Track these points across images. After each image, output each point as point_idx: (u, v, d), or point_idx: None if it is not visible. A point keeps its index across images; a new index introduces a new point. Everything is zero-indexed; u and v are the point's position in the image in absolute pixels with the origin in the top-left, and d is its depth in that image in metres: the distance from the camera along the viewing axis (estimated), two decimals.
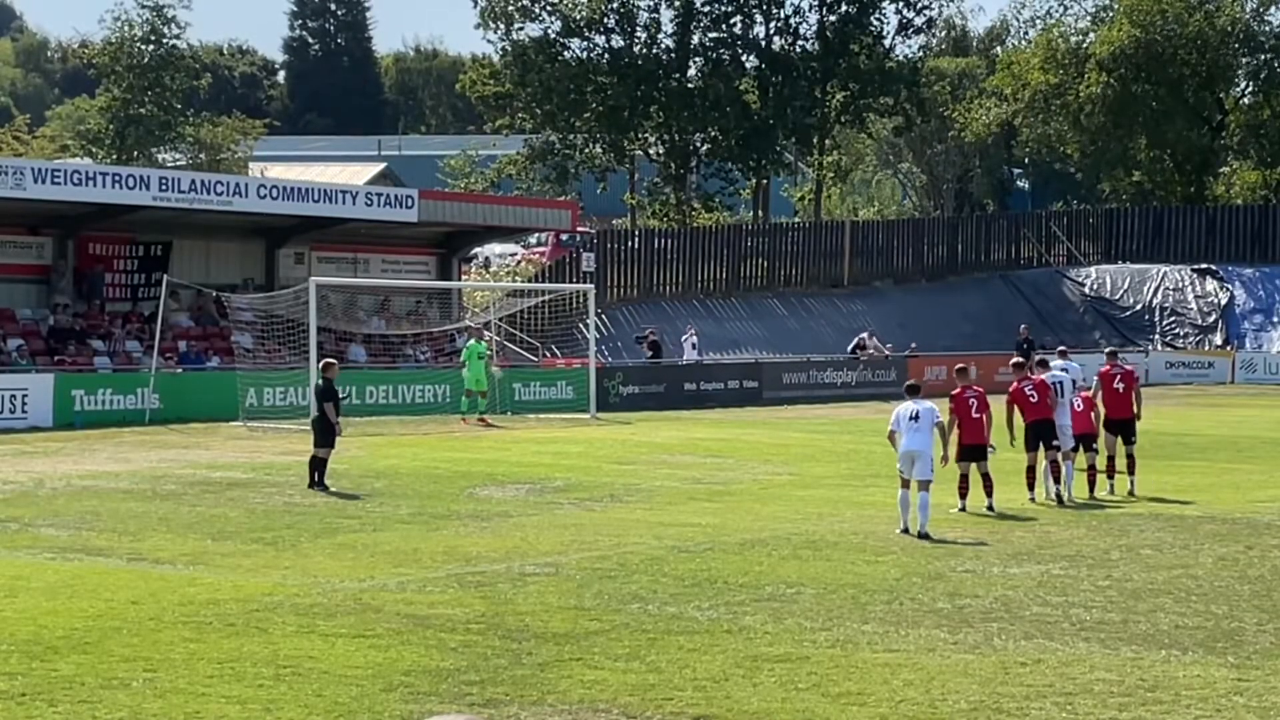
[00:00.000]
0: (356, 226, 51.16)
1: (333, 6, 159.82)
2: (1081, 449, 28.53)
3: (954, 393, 27.35)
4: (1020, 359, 29.61)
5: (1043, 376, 28.77)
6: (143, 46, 75.18)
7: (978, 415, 26.79)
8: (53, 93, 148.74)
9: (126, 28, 75.15)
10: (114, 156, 73.31)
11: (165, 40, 75.64)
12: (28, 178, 43.03)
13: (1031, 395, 28.12)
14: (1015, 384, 28.69)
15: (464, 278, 62.12)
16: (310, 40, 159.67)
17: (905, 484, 23.78)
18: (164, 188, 45.75)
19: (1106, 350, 32.26)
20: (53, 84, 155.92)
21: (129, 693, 13.36)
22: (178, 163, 75.44)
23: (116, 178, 45.75)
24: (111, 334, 46.25)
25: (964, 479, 26.22)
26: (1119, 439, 29.15)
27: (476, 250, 65.65)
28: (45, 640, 15.26)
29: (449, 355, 51.25)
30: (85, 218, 46.46)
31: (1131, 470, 28.92)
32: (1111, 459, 28.96)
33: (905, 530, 23.36)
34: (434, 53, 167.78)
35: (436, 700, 13.19)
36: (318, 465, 28.00)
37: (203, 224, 48.41)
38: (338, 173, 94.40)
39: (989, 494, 26.13)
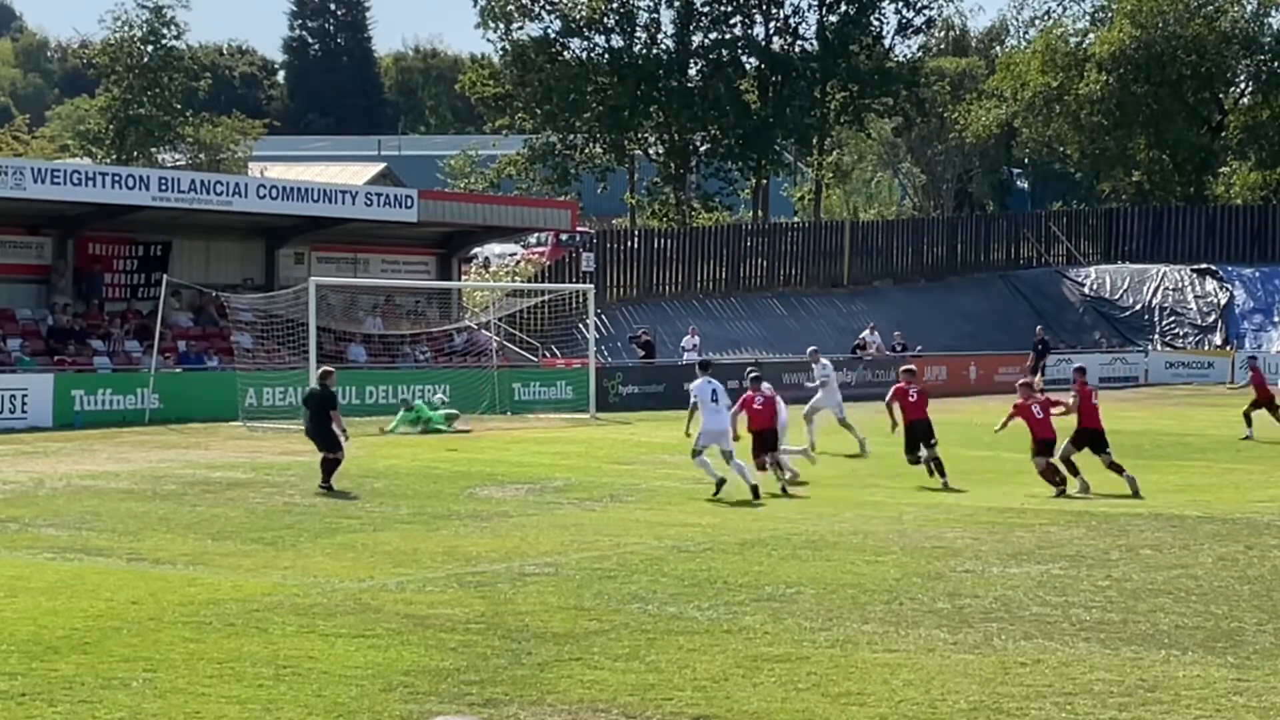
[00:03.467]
0: (356, 226, 51.17)
1: (332, 6, 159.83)
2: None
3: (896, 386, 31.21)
4: (1027, 381, 29.67)
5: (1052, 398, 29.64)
6: (142, 47, 75.21)
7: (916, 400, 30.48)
8: (53, 93, 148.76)
9: (126, 28, 75.21)
10: (114, 156, 73.35)
11: (164, 41, 75.67)
12: (27, 178, 43.05)
13: (1038, 413, 28.45)
14: (1022, 401, 28.74)
15: (464, 278, 62.11)
16: (310, 40, 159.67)
17: (697, 454, 27.69)
18: (164, 188, 45.77)
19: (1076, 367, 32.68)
20: (53, 84, 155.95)
21: (129, 693, 13.35)
22: (177, 163, 75.48)
23: (116, 178, 45.77)
24: (111, 334, 46.26)
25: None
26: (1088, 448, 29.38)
27: (476, 250, 65.63)
28: (45, 640, 15.26)
29: (448, 355, 51.25)
30: (85, 218, 46.49)
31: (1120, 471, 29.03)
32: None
33: (721, 482, 27.14)
34: (434, 52, 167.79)
35: (436, 700, 13.18)
36: (326, 464, 28.02)
37: (202, 224, 48.42)
38: (337, 173, 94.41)
39: (942, 474, 29.41)
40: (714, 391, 27.88)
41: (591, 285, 53.79)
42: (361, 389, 44.33)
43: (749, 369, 31.63)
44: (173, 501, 26.10)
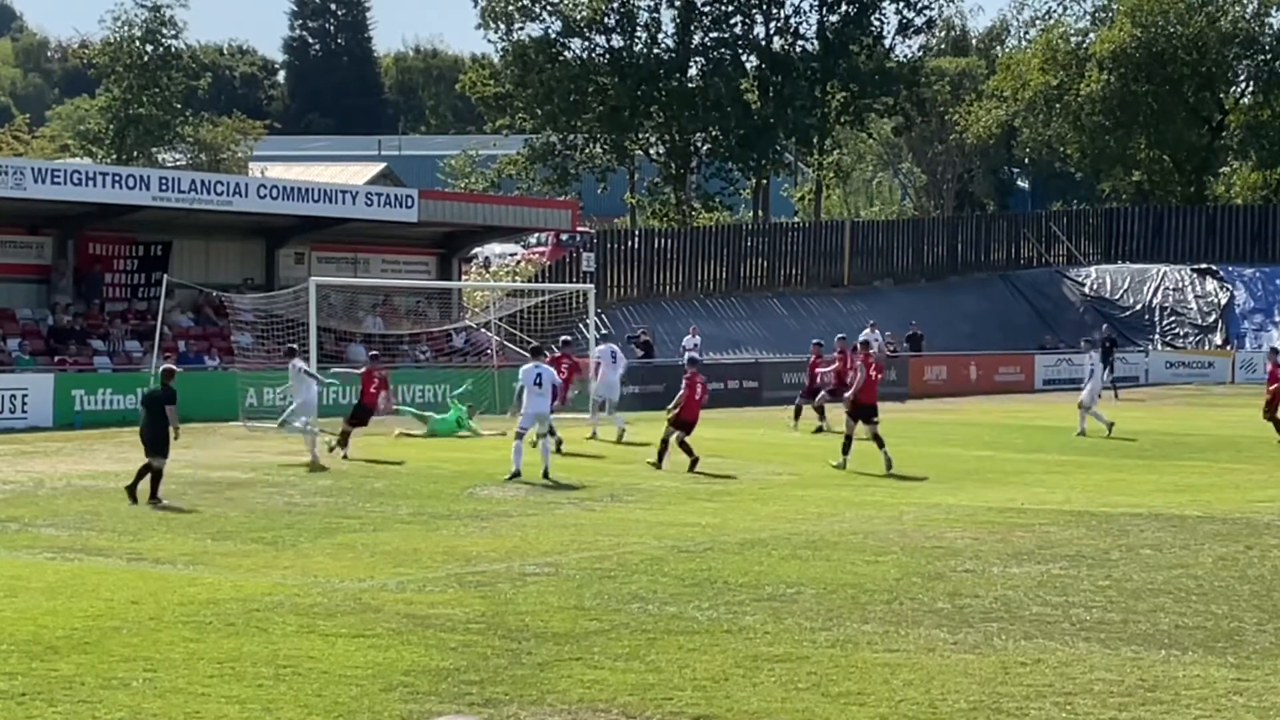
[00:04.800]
0: (357, 226, 51.18)
1: (333, 6, 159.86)
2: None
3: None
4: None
5: None
6: (142, 46, 75.20)
7: (876, 377, 33.08)
8: (53, 92, 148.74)
9: (126, 28, 75.20)
10: (114, 156, 73.35)
11: (164, 40, 75.67)
12: (28, 177, 43.07)
13: None
14: None
15: (464, 277, 62.12)
16: (310, 40, 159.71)
17: (520, 436, 29.98)
18: (164, 188, 45.80)
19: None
20: (53, 84, 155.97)
21: (129, 692, 13.36)
22: (178, 163, 75.49)
23: (116, 178, 45.79)
24: (111, 334, 46.28)
25: (849, 439, 32.01)
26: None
27: (476, 250, 65.66)
28: (45, 640, 15.27)
29: (448, 355, 51.24)
30: (85, 217, 46.51)
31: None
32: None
33: (517, 474, 28.92)
34: (434, 52, 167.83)
35: (436, 700, 13.19)
36: (154, 475, 25.88)
37: (203, 224, 48.44)
38: (338, 173, 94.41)
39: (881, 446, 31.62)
40: (539, 376, 30.60)
41: (592, 285, 53.72)
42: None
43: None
44: (172, 501, 26.08)
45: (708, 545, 21.91)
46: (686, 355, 48.58)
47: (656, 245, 68.94)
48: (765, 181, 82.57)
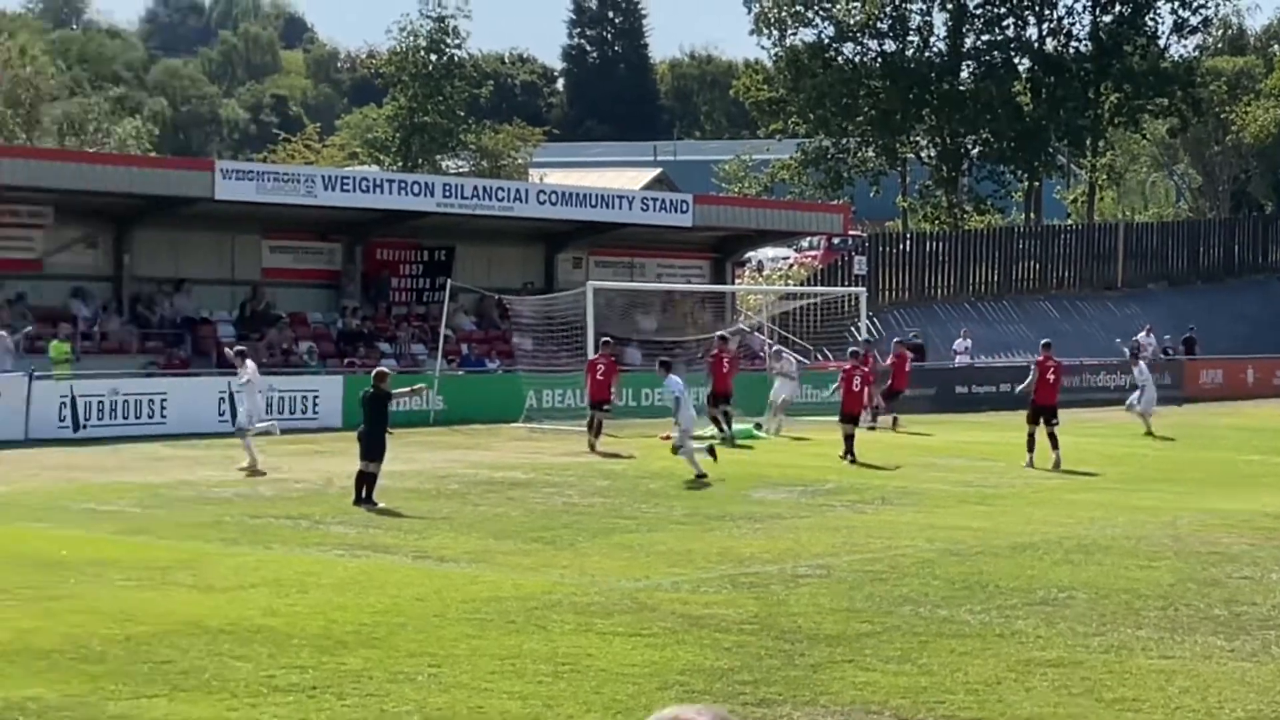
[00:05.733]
0: (633, 231, 51.55)
1: (610, 15, 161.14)
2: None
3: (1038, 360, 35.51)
4: None
5: None
6: (427, 56, 76.53)
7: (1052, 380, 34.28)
8: (342, 102, 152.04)
9: (411, 38, 76.59)
10: (400, 164, 74.74)
11: (447, 50, 76.95)
12: (318, 185, 44.18)
13: None
14: None
15: (737, 281, 62.19)
16: (588, 48, 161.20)
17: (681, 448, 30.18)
18: (448, 194, 46.67)
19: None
20: (342, 93, 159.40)
21: (415, 687, 13.64)
22: (460, 169, 76.64)
23: (402, 184, 46.76)
24: (397, 337, 47.18)
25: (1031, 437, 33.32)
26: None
27: (749, 254, 65.69)
28: (335, 635, 15.64)
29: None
30: (373, 224, 47.48)
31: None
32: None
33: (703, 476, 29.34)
34: (708, 59, 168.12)
35: (711, 699, 13.24)
36: (366, 480, 25.98)
37: (484, 229, 49.15)
38: (614, 178, 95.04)
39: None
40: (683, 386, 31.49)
41: (863, 288, 53.58)
42: (638, 391, 44.61)
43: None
44: (456, 501, 26.56)
45: (978, 549, 21.72)
46: (958, 360, 48.18)
47: (928, 248, 68.43)
48: (1038, 184, 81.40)
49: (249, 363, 32.14)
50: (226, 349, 34.75)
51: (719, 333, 43.38)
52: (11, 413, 32.89)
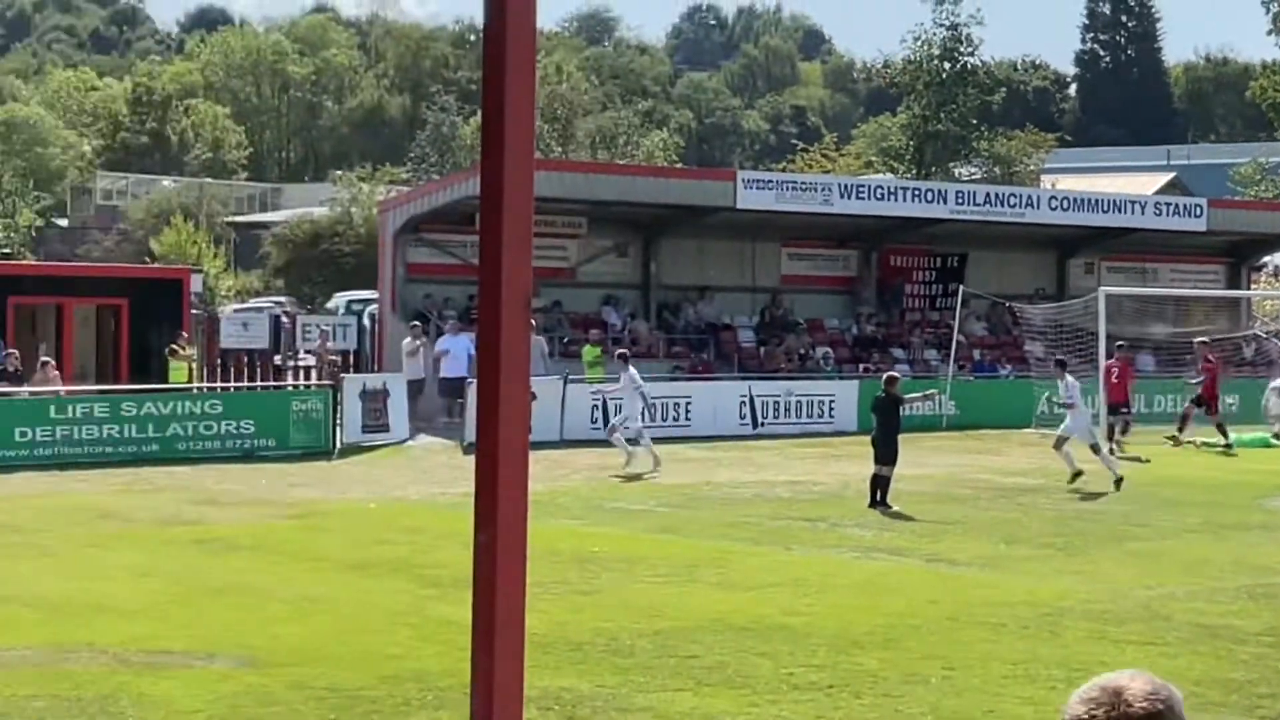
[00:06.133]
0: (1144, 236, 50.42)
1: (1124, 19, 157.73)
2: None
3: None
4: None
5: None
6: (940, 64, 76.36)
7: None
8: (858, 111, 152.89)
9: (925, 47, 76.53)
10: (914, 171, 74.82)
11: (961, 58, 76.62)
12: (835, 194, 44.63)
13: None
14: None
15: (1253, 286, 60.15)
16: (1101, 53, 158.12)
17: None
18: (960, 201, 46.55)
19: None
20: (858, 103, 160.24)
21: (928, 689, 13.76)
22: (973, 176, 76.22)
23: (916, 192, 46.87)
24: (910, 342, 47.24)
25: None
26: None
27: (1266, 259, 63.43)
28: (850, 635, 15.86)
29: (1237, 365, 49.72)
30: (887, 231, 47.65)
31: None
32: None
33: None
34: (1224, 60, 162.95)
35: (1227, 711, 13.00)
36: (880, 483, 26.04)
37: (996, 235, 48.78)
38: (1126, 183, 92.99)
39: None
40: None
41: None
42: (1150, 398, 43.65)
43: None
44: (967, 505, 26.52)
45: None
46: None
47: None
48: None
49: (630, 369, 32.44)
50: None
51: (1198, 339, 41.74)
52: (548, 415, 34.21)
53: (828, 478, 30.30)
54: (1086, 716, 3.02)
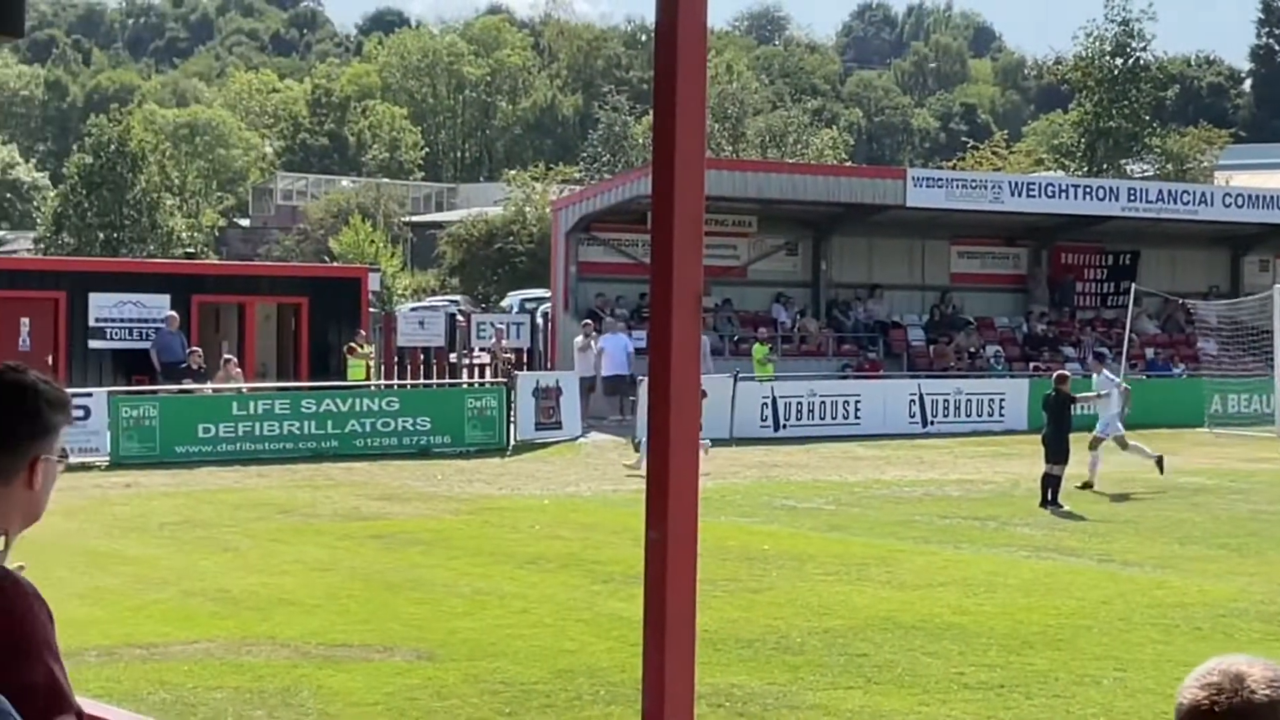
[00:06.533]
0: None
1: None
2: None
3: None
4: None
5: None
6: (1112, 60, 75.39)
7: None
8: (1029, 109, 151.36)
9: (1097, 43, 75.60)
10: (1085, 169, 73.95)
11: (1133, 53, 75.59)
12: (1005, 191, 44.27)
13: None
14: None
15: None
16: (1276, 48, 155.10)
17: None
18: (1132, 198, 45.95)
19: None
20: (1028, 100, 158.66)
21: (1100, 690, 13.58)
22: (1144, 173, 75.19)
23: (1087, 189, 46.25)
24: (1081, 341, 46.66)
25: None
26: None
27: None
28: (1020, 635, 15.70)
29: None
30: (1058, 228, 47.16)
31: None
32: None
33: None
34: None
35: None
36: (1051, 482, 25.74)
37: (1169, 233, 48.10)
38: None
39: None
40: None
41: None
42: None
43: None
44: (1139, 505, 26.15)
45: None
46: None
47: None
48: None
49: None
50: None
51: None
52: (718, 412, 34.20)
53: (997, 476, 30.05)
54: (1207, 703, 2.94)
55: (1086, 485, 27.69)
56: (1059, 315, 47.87)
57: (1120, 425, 29.38)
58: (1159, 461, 28.81)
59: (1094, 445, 28.45)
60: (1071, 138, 78.32)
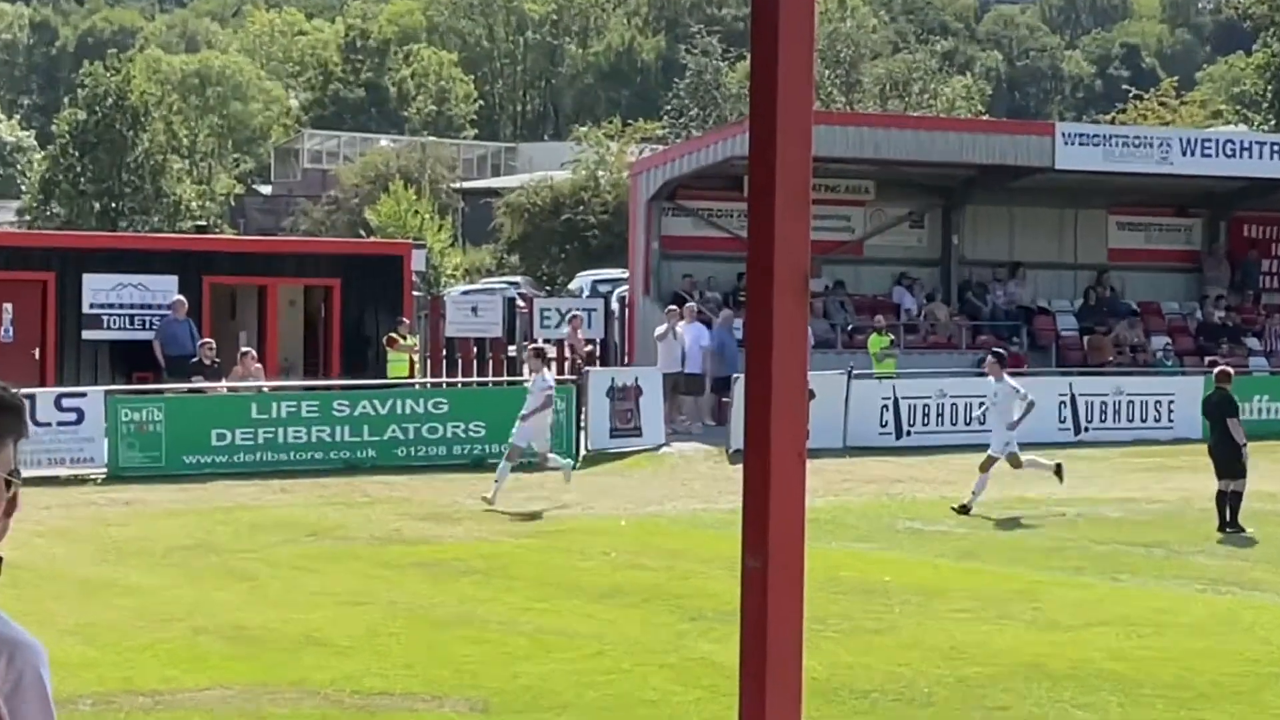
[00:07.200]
0: None
1: None
2: None
3: None
4: None
5: None
6: None
7: None
8: (1203, 50, 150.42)
9: None
10: (1273, 123, 73.37)
11: None
12: (1175, 150, 43.79)
13: None
14: None
15: None
16: None
17: None
18: None
19: None
20: (1203, 40, 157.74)
21: None
22: None
23: (1275, 147, 45.77)
24: (1266, 330, 46.19)
25: None
26: None
27: None
28: (1192, 684, 15.58)
29: None
30: (1239, 195, 46.72)
31: None
32: None
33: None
34: None
35: None
36: (1227, 501, 25.23)
37: None
38: None
39: None
40: None
41: None
42: None
43: None
44: None
45: None
46: None
47: None
48: None
49: (546, 372, 30.48)
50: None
51: None
52: (829, 415, 33.95)
53: (1166, 494, 29.82)
54: None
55: (964, 509, 27.03)
56: (1240, 300, 47.44)
57: (1015, 442, 28.06)
58: (1058, 470, 28.23)
59: (985, 466, 27.52)
60: (1256, 85, 77.70)
